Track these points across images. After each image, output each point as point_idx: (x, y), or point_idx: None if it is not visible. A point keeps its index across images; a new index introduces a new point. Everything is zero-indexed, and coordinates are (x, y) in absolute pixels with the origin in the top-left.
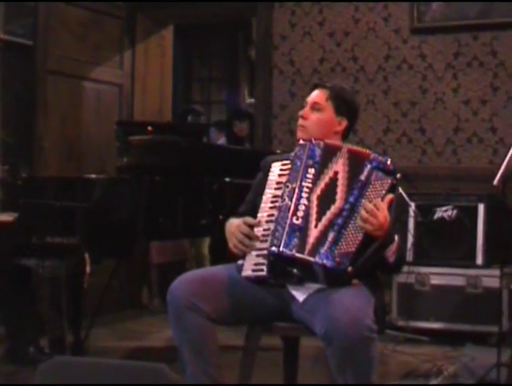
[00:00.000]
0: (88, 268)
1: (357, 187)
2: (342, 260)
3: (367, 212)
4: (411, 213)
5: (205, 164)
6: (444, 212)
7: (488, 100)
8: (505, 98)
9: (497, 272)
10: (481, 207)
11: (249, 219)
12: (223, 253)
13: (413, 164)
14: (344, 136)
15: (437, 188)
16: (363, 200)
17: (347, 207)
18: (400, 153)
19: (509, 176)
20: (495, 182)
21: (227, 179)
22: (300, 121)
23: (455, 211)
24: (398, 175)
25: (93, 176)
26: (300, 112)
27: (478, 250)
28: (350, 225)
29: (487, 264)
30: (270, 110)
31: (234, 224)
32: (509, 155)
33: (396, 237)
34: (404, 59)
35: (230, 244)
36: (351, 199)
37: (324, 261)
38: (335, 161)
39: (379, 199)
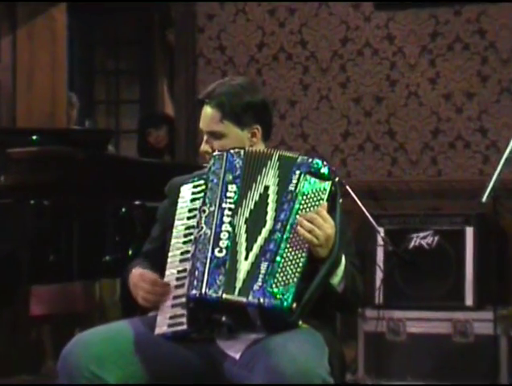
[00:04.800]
0: None
1: (286, 201)
2: (283, 296)
3: (309, 222)
4: (380, 241)
5: (110, 182)
6: (422, 239)
7: (475, 94)
8: (498, 90)
9: (491, 315)
10: (469, 232)
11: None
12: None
13: (380, 177)
14: (265, 139)
15: (412, 208)
16: (297, 216)
17: (277, 227)
18: (364, 164)
19: (503, 189)
20: (484, 198)
21: (137, 202)
22: (207, 157)
23: (436, 238)
24: (337, 178)
25: None
26: (201, 149)
27: (467, 287)
28: (286, 250)
29: (478, 305)
30: (194, 112)
31: (137, 273)
32: (501, 163)
33: (343, 258)
34: (367, 42)
35: (138, 299)
36: (281, 217)
37: (261, 300)
38: (265, 173)
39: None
